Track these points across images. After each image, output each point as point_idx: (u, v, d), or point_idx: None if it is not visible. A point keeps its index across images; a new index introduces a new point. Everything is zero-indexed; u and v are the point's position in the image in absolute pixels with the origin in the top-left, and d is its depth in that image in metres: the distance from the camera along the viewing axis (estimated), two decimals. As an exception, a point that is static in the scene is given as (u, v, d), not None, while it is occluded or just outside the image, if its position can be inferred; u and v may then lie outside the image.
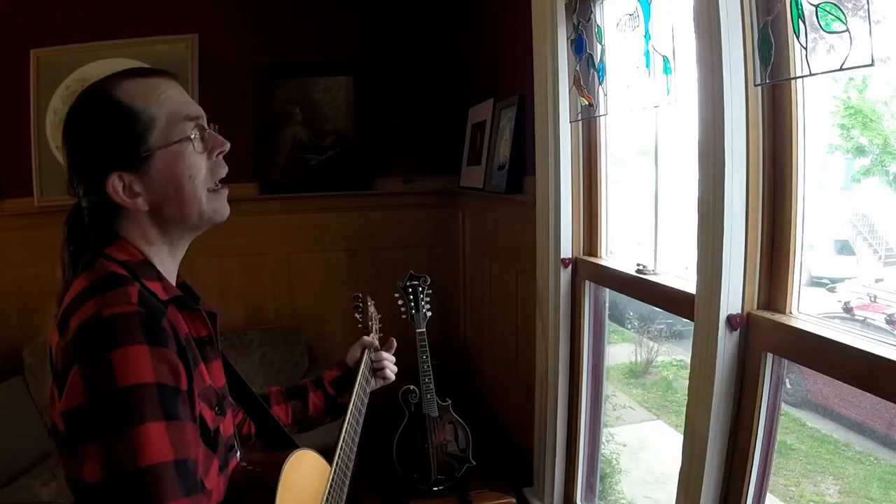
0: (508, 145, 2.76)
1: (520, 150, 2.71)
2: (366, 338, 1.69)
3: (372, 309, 1.87)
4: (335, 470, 1.35)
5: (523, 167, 2.69)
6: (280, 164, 3.51)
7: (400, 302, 2.48)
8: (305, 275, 3.63)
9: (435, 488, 2.57)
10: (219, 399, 1.11)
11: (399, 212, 3.66)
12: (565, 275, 2.36)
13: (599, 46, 2.08)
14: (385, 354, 1.69)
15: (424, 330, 2.53)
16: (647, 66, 1.81)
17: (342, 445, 1.40)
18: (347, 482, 1.39)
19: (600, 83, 2.08)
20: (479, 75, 3.39)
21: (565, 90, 2.26)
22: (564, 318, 2.38)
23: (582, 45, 2.14)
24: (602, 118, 2.20)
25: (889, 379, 1.15)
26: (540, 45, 2.34)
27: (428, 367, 2.65)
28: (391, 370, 1.68)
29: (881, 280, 1.56)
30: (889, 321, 1.32)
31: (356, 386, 1.54)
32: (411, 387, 2.67)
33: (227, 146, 1.14)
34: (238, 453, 1.21)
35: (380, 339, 1.77)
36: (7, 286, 3.32)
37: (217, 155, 1.13)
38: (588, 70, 2.12)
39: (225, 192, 1.15)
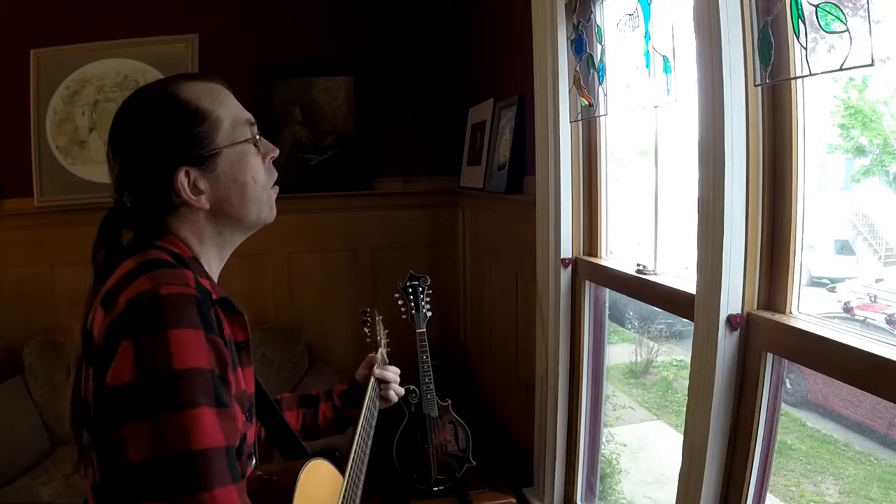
0: (508, 145, 2.76)
1: (520, 150, 2.71)
2: (373, 355, 1.68)
3: (380, 324, 1.86)
4: (347, 482, 1.34)
5: (523, 167, 2.69)
6: (280, 164, 3.43)
7: (400, 302, 2.48)
8: (305, 275, 3.63)
9: (435, 488, 2.57)
10: (250, 405, 1.11)
11: (399, 212, 3.66)
12: (565, 275, 2.36)
13: (599, 46, 2.08)
14: (391, 374, 1.66)
15: (424, 330, 2.53)
16: (647, 66, 1.81)
17: (354, 458, 1.39)
18: (359, 494, 1.38)
19: (600, 83, 2.08)
20: (479, 75, 3.39)
21: (565, 90, 2.25)
22: (564, 319, 2.38)
23: (582, 45, 2.14)
24: (602, 118, 2.20)
25: (889, 379, 1.15)
26: (540, 44, 2.34)
27: (428, 367, 2.65)
28: (395, 392, 1.66)
29: (881, 280, 1.56)
30: (889, 321, 1.32)
31: (366, 399, 1.53)
32: (411, 387, 2.66)
33: (277, 152, 1.20)
34: (254, 462, 1.20)
35: (389, 355, 1.77)
36: (7, 286, 3.32)
37: (269, 160, 1.18)
38: (588, 70, 2.12)
39: (274, 194, 1.21)
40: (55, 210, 3.19)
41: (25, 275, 3.29)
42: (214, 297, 1.03)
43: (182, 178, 1.07)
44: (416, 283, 2.49)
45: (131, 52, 3.31)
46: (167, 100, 1.09)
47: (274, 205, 1.21)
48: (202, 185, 1.09)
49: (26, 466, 2.72)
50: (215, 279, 1.16)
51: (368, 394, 1.55)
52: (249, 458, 1.15)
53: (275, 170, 1.20)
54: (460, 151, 3.52)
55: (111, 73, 3.30)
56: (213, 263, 1.16)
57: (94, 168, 3.28)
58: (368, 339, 1.80)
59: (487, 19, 3.19)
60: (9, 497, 2.52)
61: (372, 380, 1.60)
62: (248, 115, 1.16)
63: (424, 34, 3.62)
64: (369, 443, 1.49)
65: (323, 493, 1.25)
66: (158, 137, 1.07)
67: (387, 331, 1.87)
